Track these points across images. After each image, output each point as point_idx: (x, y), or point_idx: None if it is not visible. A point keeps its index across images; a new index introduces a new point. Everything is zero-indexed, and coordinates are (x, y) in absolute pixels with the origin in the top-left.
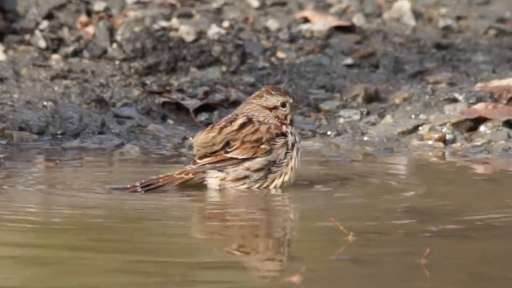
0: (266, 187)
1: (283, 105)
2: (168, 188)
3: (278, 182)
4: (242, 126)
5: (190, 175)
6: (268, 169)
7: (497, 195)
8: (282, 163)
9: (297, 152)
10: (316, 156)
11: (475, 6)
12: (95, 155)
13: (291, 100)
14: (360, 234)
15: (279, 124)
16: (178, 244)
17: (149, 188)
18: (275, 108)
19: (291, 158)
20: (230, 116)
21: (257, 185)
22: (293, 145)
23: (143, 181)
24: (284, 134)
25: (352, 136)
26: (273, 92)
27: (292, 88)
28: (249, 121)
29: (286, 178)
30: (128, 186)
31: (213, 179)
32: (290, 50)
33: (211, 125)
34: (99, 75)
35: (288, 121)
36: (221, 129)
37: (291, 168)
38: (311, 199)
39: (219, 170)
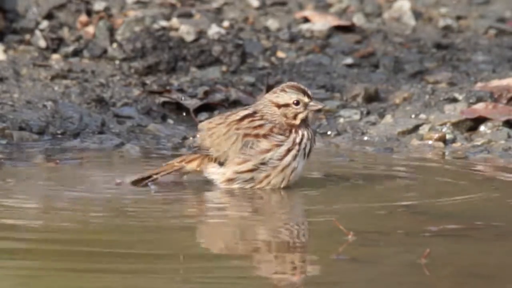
0: (259, 187)
1: (297, 103)
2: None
3: (264, 183)
4: (244, 117)
5: (183, 163)
6: (257, 169)
7: (497, 195)
8: (269, 164)
9: (293, 158)
10: (316, 156)
11: (475, 6)
12: (95, 155)
13: (306, 100)
14: (360, 234)
15: (286, 127)
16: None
17: (143, 182)
18: (285, 105)
19: (282, 160)
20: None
21: (249, 185)
22: (289, 150)
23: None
24: (283, 135)
25: (352, 136)
26: (287, 90)
27: None
28: (253, 114)
29: (274, 181)
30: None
31: (215, 175)
32: (290, 50)
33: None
34: (99, 75)
35: (297, 121)
36: (227, 118)
37: (280, 170)
38: (311, 198)
39: (220, 164)
